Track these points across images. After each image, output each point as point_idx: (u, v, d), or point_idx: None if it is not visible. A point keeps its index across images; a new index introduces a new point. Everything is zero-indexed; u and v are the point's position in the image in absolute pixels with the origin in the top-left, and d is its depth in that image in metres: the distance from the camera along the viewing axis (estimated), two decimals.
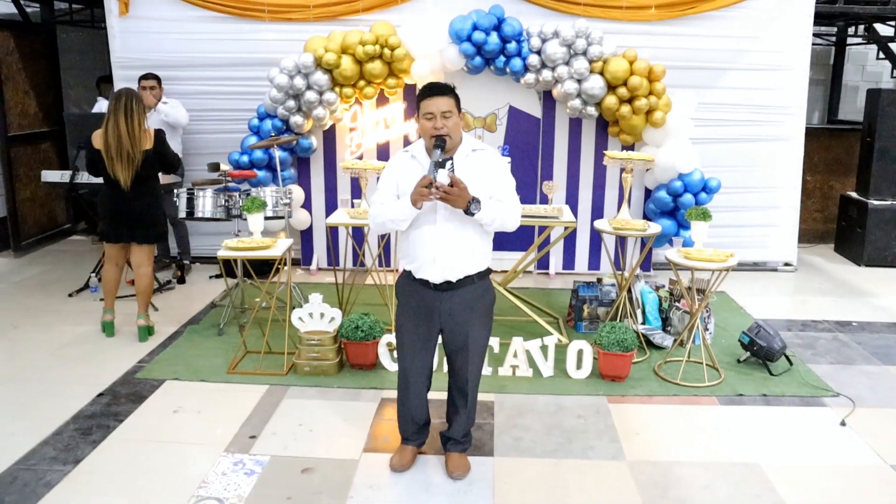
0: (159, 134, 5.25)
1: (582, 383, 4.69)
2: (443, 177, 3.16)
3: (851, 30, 8.71)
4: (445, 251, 3.36)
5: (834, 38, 8.84)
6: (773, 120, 7.07)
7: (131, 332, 5.43)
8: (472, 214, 3.25)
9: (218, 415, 4.24)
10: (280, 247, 4.83)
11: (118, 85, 6.80)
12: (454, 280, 3.39)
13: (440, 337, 3.58)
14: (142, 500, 3.43)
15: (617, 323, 4.77)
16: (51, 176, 6.61)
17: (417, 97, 3.35)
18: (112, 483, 3.55)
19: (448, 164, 3.20)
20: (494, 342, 4.79)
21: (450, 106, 3.27)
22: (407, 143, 6.62)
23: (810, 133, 7.61)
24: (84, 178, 6.34)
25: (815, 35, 7.55)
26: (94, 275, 6.46)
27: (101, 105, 7.04)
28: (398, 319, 3.61)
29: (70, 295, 6.36)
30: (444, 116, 3.25)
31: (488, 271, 3.52)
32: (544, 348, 4.80)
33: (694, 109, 6.58)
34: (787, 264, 7.50)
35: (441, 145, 3.24)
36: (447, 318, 3.46)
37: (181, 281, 6.79)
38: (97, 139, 5.08)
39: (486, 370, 4.75)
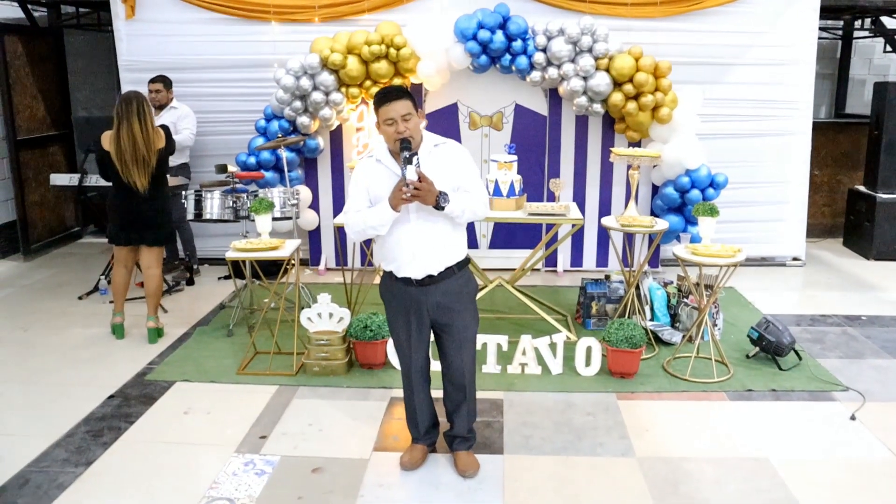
0: (166, 129, 5.28)
1: (591, 380, 4.69)
2: (411, 173, 3.19)
3: (858, 23, 8.66)
4: (423, 248, 3.39)
5: (840, 32, 8.80)
6: (780, 115, 7.05)
7: (141, 334, 5.45)
8: (442, 209, 3.28)
9: (228, 415, 4.26)
10: (288, 247, 4.84)
11: (125, 88, 6.82)
12: (435, 273, 3.42)
13: (431, 334, 3.61)
14: (153, 502, 3.45)
15: (625, 320, 4.77)
16: (59, 179, 6.64)
17: (374, 104, 3.36)
18: (124, 484, 3.57)
19: (415, 159, 3.23)
20: (503, 340, 4.80)
21: (408, 108, 3.29)
22: None
23: (817, 127, 7.58)
24: (93, 181, 6.37)
25: (821, 29, 7.52)
26: (103, 277, 6.49)
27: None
28: (389, 321, 3.65)
29: (80, 298, 6.38)
30: (405, 119, 3.28)
31: (467, 260, 3.56)
32: (553, 346, 4.80)
33: (700, 105, 6.56)
34: (795, 259, 7.48)
35: (407, 147, 3.27)
36: (435, 311, 3.48)
37: (190, 282, 6.81)
38: (106, 141, 5.10)
39: (495, 368, 4.77)
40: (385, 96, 3.31)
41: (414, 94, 3.52)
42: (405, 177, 3.19)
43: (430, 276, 3.42)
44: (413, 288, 3.45)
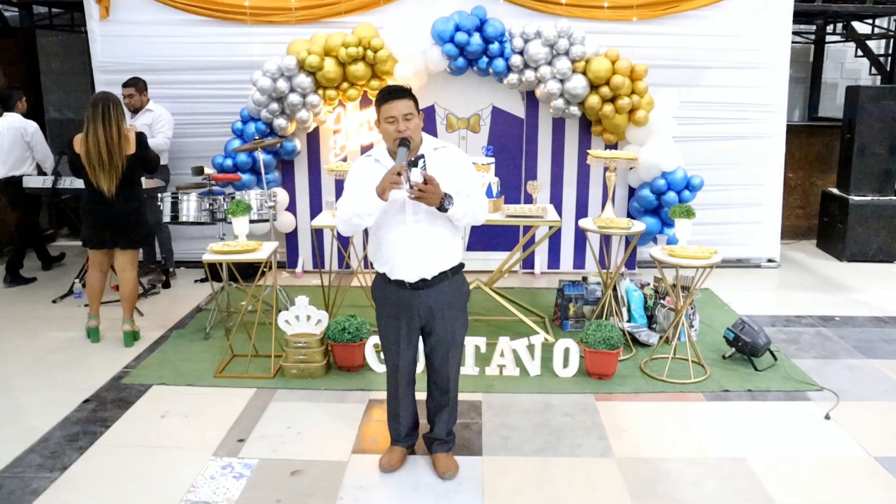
0: (141, 137, 5.22)
1: (569, 382, 4.71)
2: (416, 175, 3.15)
3: (830, 28, 8.80)
4: (418, 251, 3.36)
5: (813, 36, 8.93)
6: (754, 117, 7.13)
7: (117, 338, 5.40)
8: (446, 210, 3.26)
9: (205, 419, 4.22)
10: (265, 250, 4.82)
11: (99, 90, 6.74)
12: (429, 277, 3.40)
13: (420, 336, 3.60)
14: None
15: (603, 321, 4.79)
16: (33, 181, 6.55)
17: (376, 102, 3.34)
18: (100, 490, 3.53)
19: (421, 162, 3.19)
20: (481, 342, 4.81)
21: (410, 108, 3.28)
22: None
23: (791, 130, 7.68)
24: (66, 183, 6.29)
25: (794, 33, 7.62)
26: (78, 280, 6.41)
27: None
28: (379, 323, 3.62)
29: (54, 301, 6.31)
30: (406, 119, 3.26)
31: (461, 266, 3.54)
32: (531, 347, 4.81)
33: (676, 108, 6.62)
34: (770, 260, 7.57)
35: (406, 146, 3.25)
36: (426, 316, 3.47)
37: (166, 285, 6.75)
38: (78, 143, 5.04)
39: (474, 370, 4.77)
40: (388, 94, 3.29)
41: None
42: (409, 175, 3.14)
43: (423, 280, 3.40)
44: (406, 291, 3.43)
